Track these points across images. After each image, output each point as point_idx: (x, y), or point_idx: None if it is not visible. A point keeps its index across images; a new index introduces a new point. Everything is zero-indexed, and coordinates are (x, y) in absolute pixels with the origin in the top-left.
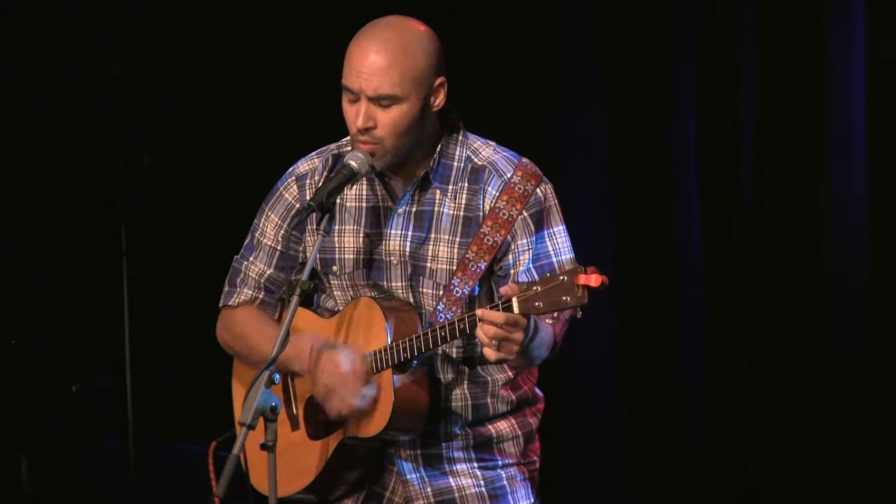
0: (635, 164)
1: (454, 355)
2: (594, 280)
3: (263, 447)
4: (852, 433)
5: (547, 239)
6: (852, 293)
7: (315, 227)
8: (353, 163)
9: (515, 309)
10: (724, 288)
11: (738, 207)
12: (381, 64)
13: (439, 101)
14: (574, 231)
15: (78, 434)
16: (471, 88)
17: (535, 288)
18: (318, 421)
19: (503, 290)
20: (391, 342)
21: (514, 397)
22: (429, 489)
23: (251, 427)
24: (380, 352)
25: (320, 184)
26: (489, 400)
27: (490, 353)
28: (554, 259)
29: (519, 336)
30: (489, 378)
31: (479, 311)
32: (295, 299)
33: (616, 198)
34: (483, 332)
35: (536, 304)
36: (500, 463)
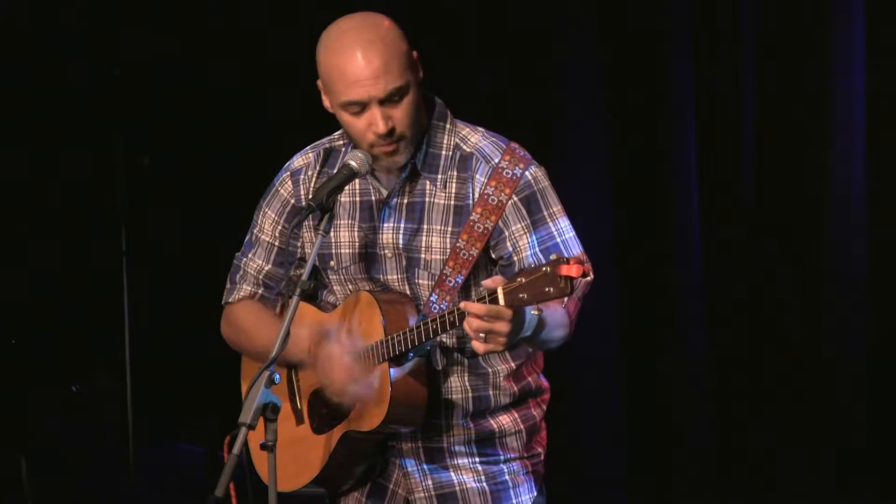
0: (635, 163)
1: (454, 347)
2: (575, 270)
3: (263, 447)
4: (852, 433)
5: (548, 220)
6: (852, 293)
7: (315, 226)
8: (353, 163)
9: (501, 301)
10: (723, 287)
11: (738, 207)
12: (378, 64)
13: (421, 73)
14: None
15: (78, 434)
16: (471, 88)
17: (519, 279)
18: (322, 415)
19: (485, 282)
20: (386, 335)
21: (516, 389)
22: (429, 481)
23: (251, 427)
24: (376, 345)
25: (314, 179)
26: (491, 392)
27: (478, 345)
28: (559, 239)
29: (503, 328)
30: (490, 370)
31: (462, 304)
32: (295, 299)
33: (616, 197)
34: (468, 325)
35: (521, 295)
36: (502, 458)
